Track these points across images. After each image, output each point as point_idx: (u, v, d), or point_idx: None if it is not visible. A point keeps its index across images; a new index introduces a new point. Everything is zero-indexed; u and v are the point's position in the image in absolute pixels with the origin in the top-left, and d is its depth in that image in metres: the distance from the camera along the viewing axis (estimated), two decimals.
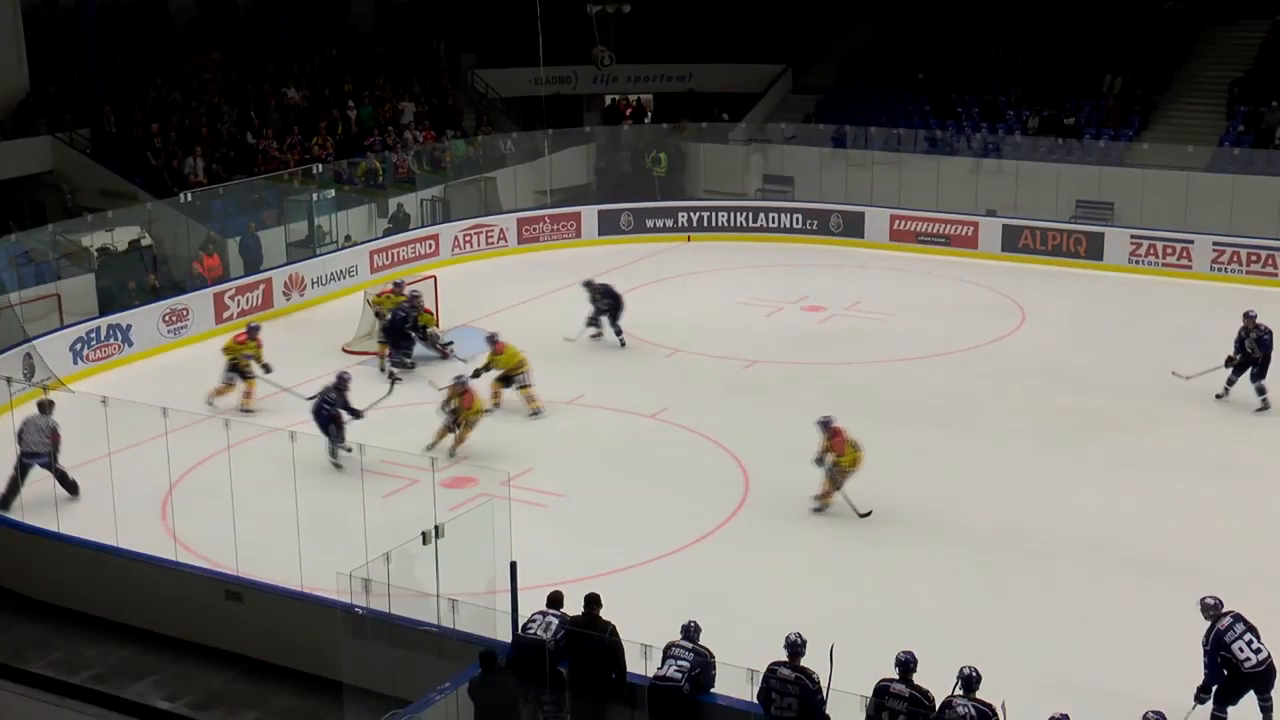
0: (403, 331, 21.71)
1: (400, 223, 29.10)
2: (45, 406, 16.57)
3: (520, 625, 11.75)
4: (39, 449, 16.29)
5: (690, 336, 23.66)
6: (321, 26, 35.40)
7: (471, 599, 12.20)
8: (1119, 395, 20.36)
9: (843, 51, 37.48)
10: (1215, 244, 27.27)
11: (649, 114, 38.68)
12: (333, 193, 28.49)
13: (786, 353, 22.82)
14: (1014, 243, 28.98)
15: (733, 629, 12.62)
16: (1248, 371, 19.64)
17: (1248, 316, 19.77)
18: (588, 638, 11.41)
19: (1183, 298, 26.14)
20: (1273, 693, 11.75)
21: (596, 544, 15.63)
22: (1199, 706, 11.80)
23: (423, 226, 29.31)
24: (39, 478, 16.31)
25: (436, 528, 12.22)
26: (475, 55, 37.92)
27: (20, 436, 16.37)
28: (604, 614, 11.57)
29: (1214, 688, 11.73)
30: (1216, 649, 11.65)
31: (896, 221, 29.95)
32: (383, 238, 28.27)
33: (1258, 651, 11.61)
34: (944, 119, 33.65)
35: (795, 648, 10.98)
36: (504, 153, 33.02)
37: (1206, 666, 11.72)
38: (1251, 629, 11.70)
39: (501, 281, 27.17)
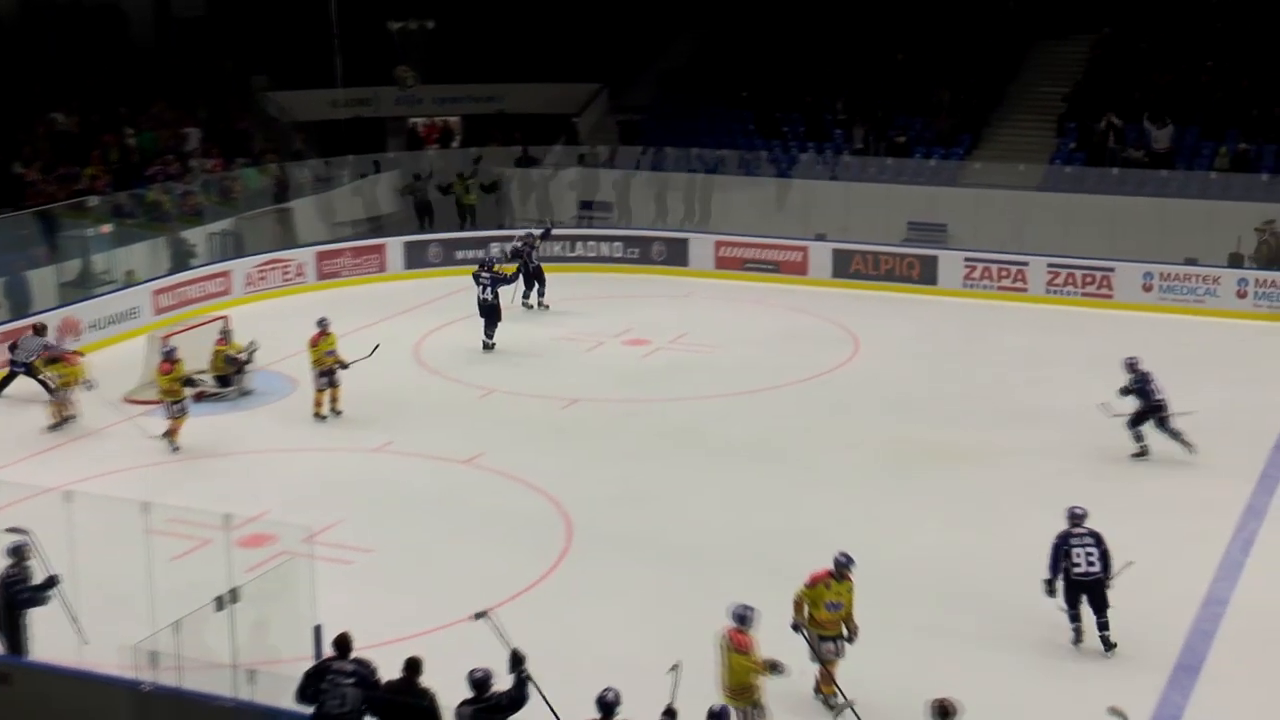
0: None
1: (181, 259, 28.38)
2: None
3: (312, 693, 11.34)
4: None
5: (506, 375, 23.53)
6: (95, 43, 34.42)
7: (272, 668, 11.87)
8: (961, 425, 20.80)
9: (662, 68, 37.84)
10: (1050, 265, 28.14)
11: (457, 137, 38.53)
12: (111, 227, 27.71)
13: (609, 390, 22.87)
14: (845, 268, 29.53)
15: (556, 685, 12.48)
16: (1149, 422, 19.57)
17: (1130, 365, 19.77)
18: (404, 707, 11.16)
19: (1019, 321, 26.89)
20: (1109, 620, 14.05)
21: (409, 602, 15.37)
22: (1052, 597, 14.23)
23: (212, 263, 28.69)
24: None
25: (231, 591, 11.88)
26: (267, 76, 37.30)
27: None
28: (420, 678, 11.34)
29: (1059, 585, 14.20)
30: (1059, 548, 14.24)
31: (722, 248, 30.29)
32: (166, 275, 27.57)
33: (1091, 565, 14.09)
34: (769, 138, 34.17)
35: (609, 707, 10.89)
36: (300, 181, 32.56)
37: (1050, 561, 14.24)
38: (1102, 553, 14.12)
39: (301, 320, 26.61)
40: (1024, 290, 28.24)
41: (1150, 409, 19.53)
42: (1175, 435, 19.45)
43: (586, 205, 33.30)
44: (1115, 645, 14.14)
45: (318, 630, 11.50)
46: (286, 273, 29.42)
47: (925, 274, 28.95)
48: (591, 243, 31.29)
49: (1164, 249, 27.89)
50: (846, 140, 33.63)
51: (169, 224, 29.05)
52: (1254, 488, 18.48)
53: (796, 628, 13.09)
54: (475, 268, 25.78)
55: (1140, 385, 19.60)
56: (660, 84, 37.43)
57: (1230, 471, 18.96)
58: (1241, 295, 26.95)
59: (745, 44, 37.03)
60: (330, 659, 11.53)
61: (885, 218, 30.46)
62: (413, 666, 11.43)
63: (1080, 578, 14.19)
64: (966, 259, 28.81)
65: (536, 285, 27.63)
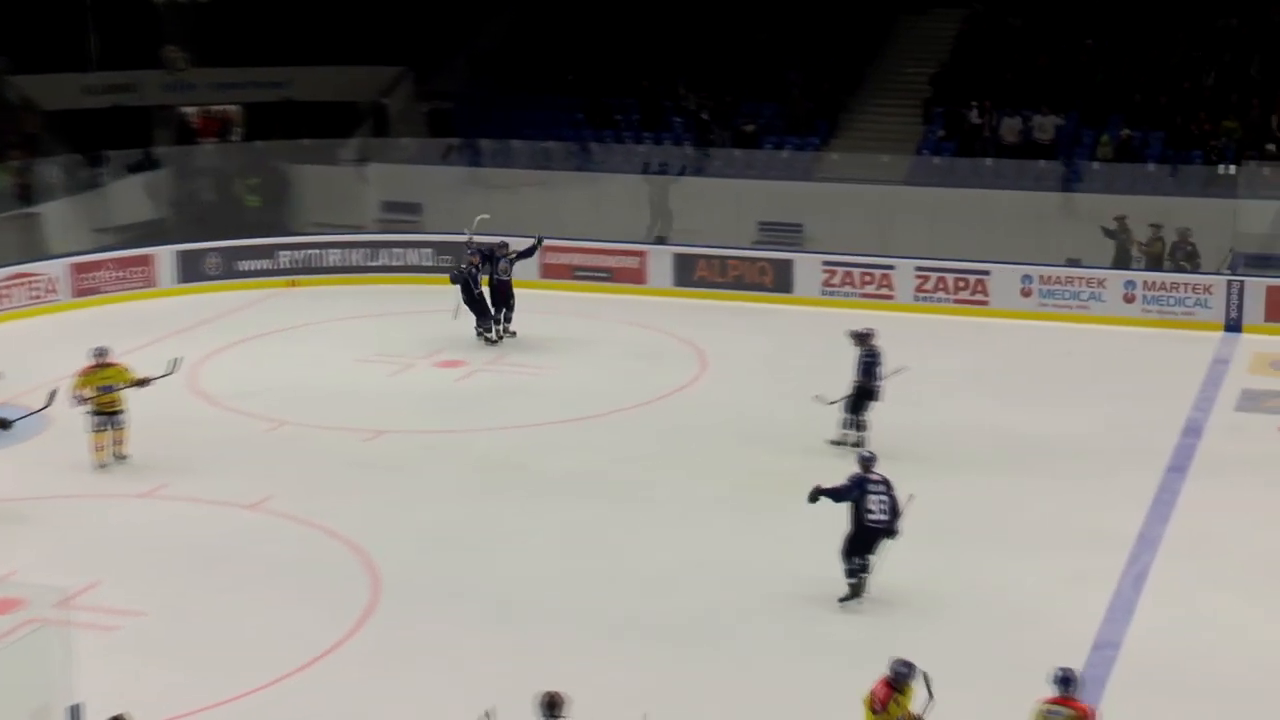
0: None
1: None
2: None
3: None
4: None
5: (298, 405, 23.29)
6: None
7: None
8: (822, 452, 20.88)
9: (474, 49, 37.75)
10: (919, 269, 28.65)
11: (238, 129, 38.02)
12: None
13: (419, 419, 22.75)
14: (689, 275, 29.73)
15: None
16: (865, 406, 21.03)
17: (862, 337, 21.28)
18: None
19: (885, 332, 27.18)
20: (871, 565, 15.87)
21: (186, 673, 15.04)
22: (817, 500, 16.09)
23: None
24: None
25: None
26: (8, 58, 36.42)
27: None
28: None
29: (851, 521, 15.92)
30: (854, 490, 15.91)
31: (548, 254, 30.24)
32: None
33: (884, 513, 15.84)
34: (600, 128, 34.27)
35: None
36: (50, 182, 31.86)
37: (840, 487, 16.03)
38: (894, 510, 15.84)
39: (55, 344, 26.04)
40: (890, 297, 28.72)
41: (869, 392, 20.90)
42: (860, 426, 20.90)
43: (391, 207, 33.01)
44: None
45: (75, 711, 11.20)
46: (34, 289, 28.74)
47: (779, 280, 29.27)
48: (397, 250, 31.12)
49: (1044, 249, 28.57)
50: (688, 130, 33.86)
51: None
52: (1146, 515, 18.89)
53: None
54: (466, 261, 26.44)
55: (869, 362, 20.99)
56: (473, 67, 37.37)
57: (1120, 497, 19.38)
58: (1129, 299, 27.70)
59: (570, 20, 37.13)
60: None
61: (733, 217, 30.73)
62: None
63: (874, 525, 15.86)
64: (825, 263, 29.20)
65: (504, 310, 26.85)
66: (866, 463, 16.31)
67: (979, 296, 28.36)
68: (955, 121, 32.49)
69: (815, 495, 16.15)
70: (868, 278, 28.85)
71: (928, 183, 31.00)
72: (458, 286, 26.25)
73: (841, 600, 16.13)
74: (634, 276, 29.93)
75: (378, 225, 32.83)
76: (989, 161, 31.40)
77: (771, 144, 33.14)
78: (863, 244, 29.38)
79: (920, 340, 26.30)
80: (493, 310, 26.47)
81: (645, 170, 32.32)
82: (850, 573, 16.12)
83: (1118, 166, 30.78)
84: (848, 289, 28.91)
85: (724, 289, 29.43)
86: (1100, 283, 27.87)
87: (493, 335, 26.36)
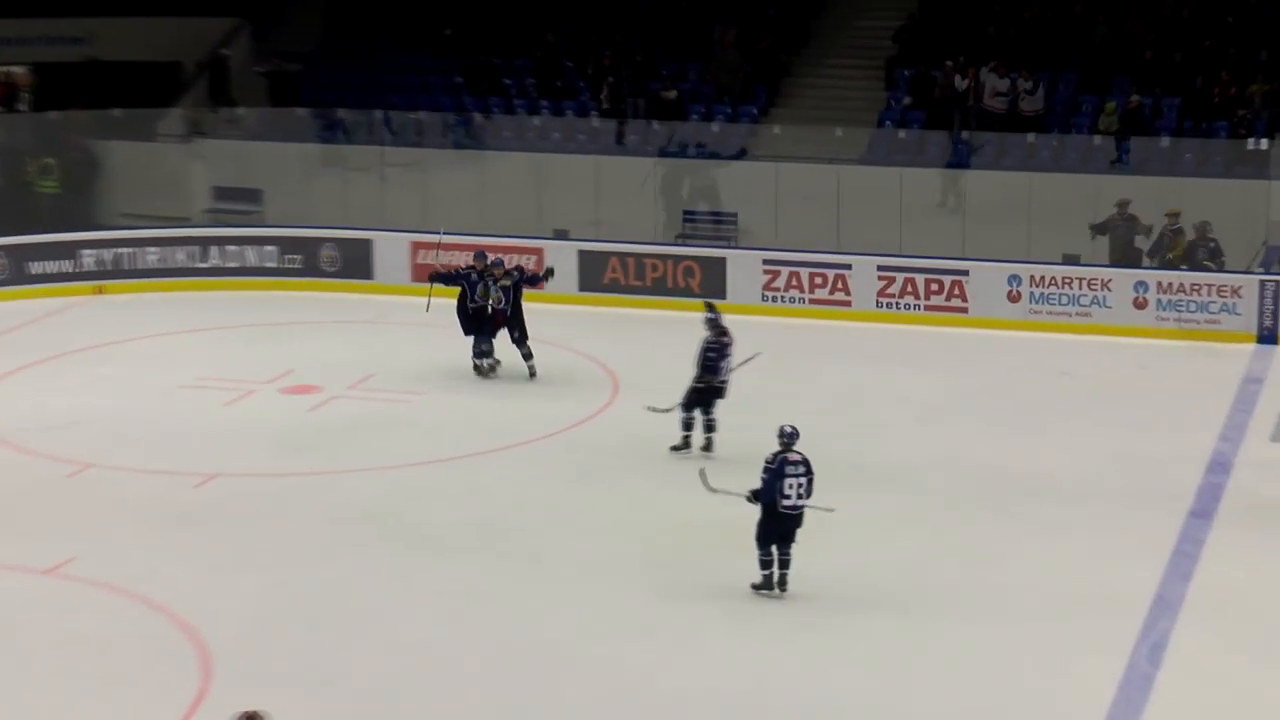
0: None
1: None
2: None
3: None
4: None
5: (108, 442, 23.18)
6: None
7: None
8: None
9: None
10: (882, 269, 28.82)
11: (26, 96, 37.71)
12: None
13: (262, 459, 22.68)
14: (598, 277, 29.80)
15: None
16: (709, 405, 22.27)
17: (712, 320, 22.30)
18: None
19: (841, 347, 27.35)
20: (792, 557, 17.40)
21: None
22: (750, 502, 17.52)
23: None
24: None
25: None
26: None
27: None
28: None
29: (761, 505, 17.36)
30: (778, 473, 17.24)
31: (422, 252, 30.25)
32: None
33: (800, 496, 17.29)
34: (484, 95, 34.22)
35: None
36: None
37: (764, 482, 17.35)
38: (809, 482, 17.35)
39: None
40: (846, 304, 28.92)
41: (714, 389, 21.99)
42: (709, 426, 22.03)
43: (224, 194, 32.85)
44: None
45: None
46: None
47: (709, 284, 29.30)
48: (232, 247, 31.03)
49: (1036, 243, 28.77)
50: (594, 97, 33.87)
51: None
52: (1164, 572, 18.94)
53: None
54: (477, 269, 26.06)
55: (716, 352, 21.78)
56: (326, 20, 37.28)
57: (1132, 549, 19.46)
58: (1140, 304, 27.96)
59: None
60: None
61: (650, 205, 30.73)
62: None
63: (789, 510, 17.33)
64: (766, 262, 29.34)
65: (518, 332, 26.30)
66: (788, 439, 17.55)
67: (956, 302, 28.57)
68: (924, 86, 32.65)
69: (754, 498, 17.56)
70: (818, 280, 28.99)
71: (891, 161, 31.14)
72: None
73: (754, 586, 17.72)
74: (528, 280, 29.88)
75: (208, 217, 32.63)
76: (966, 135, 31.57)
77: (697, 114, 33.18)
78: (812, 238, 29.48)
79: (883, 357, 26.41)
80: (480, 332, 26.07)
81: (664, 153, 32.42)
82: (764, 564, 17.63)
83: (1123, 139, 30.95)
84: (794, 294, 29.06)
85: (640, 294, 29.46)
86: (1105, 284, 28.10)
87: (482, 364, 26.06)
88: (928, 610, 17.83)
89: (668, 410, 21.83)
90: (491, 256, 26.33)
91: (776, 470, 17.39)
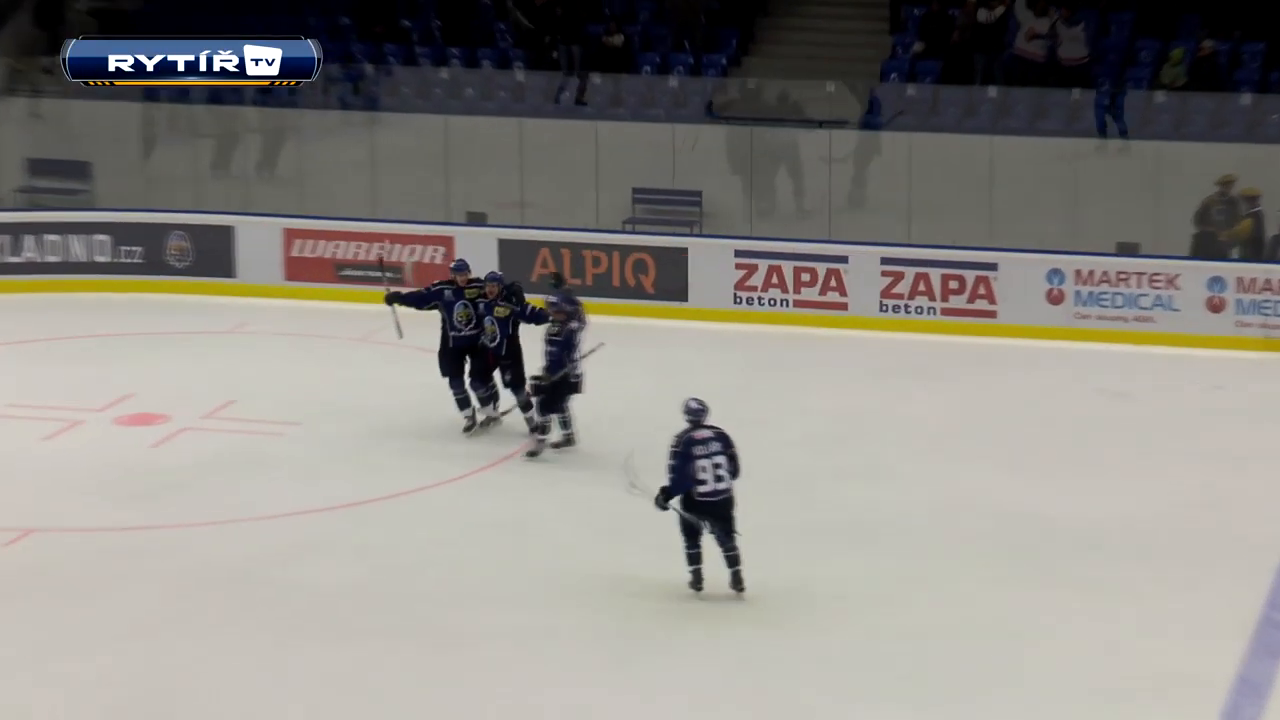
0: None
1: None
2: None
3: None
4: None
5: None
6: None
7: None
8: (713, 553, 20.76)
9: None
10: (886, 262, 28.87)
11: None
12: None
13: (92, 510, 22.53)
14: (524, 273, 29.48)
15: None
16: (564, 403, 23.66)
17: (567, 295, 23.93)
18: None
19: (835, 361, 27.27)
20: (738, 550, 18.46)
21: None
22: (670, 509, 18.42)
23: None
24: None
25: None
26: None
27: None
28: None
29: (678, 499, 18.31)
30: (686, 456, 18.14)
31: (297, 242, 30.16)
32: None
33: (720, 480, 18.18)
34: (378, 41, 34.14)
35: None
36: None
37: (672, 470, 18.23)
38: (731, 467, 18.22)
39: None
40: (841, 308, 28.95)
41: (568, 385, 23.35)
42: (566, 423, 23.66)
43: (41, 169, 32.68)
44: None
45: None
46: None
47: (667, 282, 29.50)
48: (51, 236, 31.00)
49: (1082, 230, 28.65)
50: (520, 47, 33.78)
51: None
52: (1248, 645, 18.85)
53: None
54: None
55: (557, 350, 23.20)
56: None
57: (1207, 617, 19.33)
58: (1216, 306, 27.90)
59: None
60: None
61: (591, 182, 30.62)
62: None
63: (707, 498, 18.25)
64: (739, 254, 29.28)
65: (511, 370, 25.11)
66: (696, 415, 18.50)
67: (980, 304, 28.52)
68: (939, 27, 32.61)
69: (665, 500, 18.49)
70: (808, 275, 28.90)
71: (898, 125, 31.09)
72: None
73: (691, 585, 18.93)
74: (438, 276, 29.61)
75: (20, 198, 32.52)
76: (993, 91, 31.52)
77: (650, 68, 33.09)
78: (798, 224, 29.36)
79: (888, 374, 26.30)
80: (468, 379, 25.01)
81: (711, 114, 32.57)
82: (690, 558, 18.77)
83: (1192, 97, 30.92)
84: (774, 294, 29.02)
85: (579, 295, 29.25)
86: (1170, 281, 28.09)
87: (470, 418, 25.02)
88: (952, 699, 17.59)
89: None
90: (487, 270, 25.50)
91: (683, 454, 18.18)
